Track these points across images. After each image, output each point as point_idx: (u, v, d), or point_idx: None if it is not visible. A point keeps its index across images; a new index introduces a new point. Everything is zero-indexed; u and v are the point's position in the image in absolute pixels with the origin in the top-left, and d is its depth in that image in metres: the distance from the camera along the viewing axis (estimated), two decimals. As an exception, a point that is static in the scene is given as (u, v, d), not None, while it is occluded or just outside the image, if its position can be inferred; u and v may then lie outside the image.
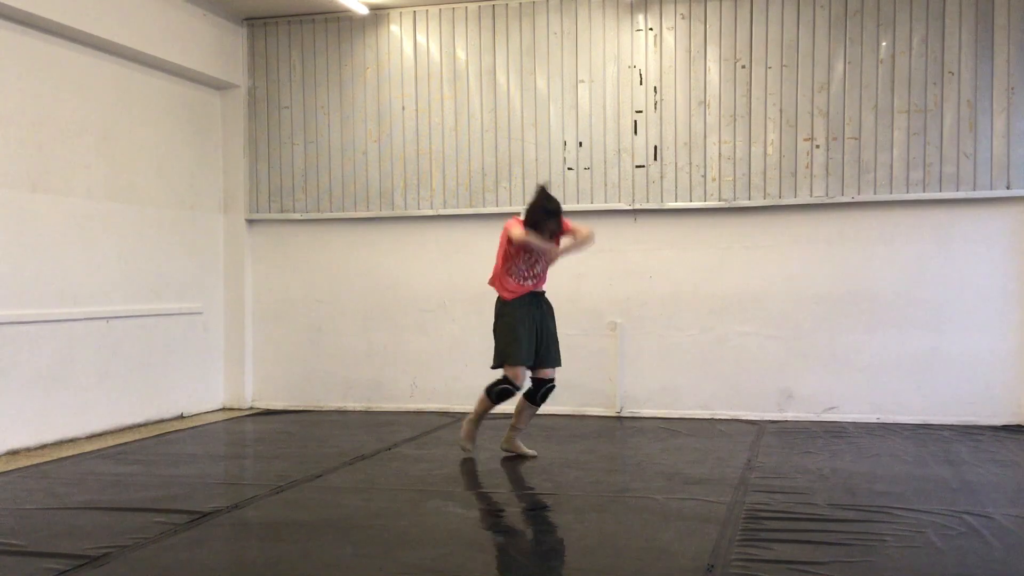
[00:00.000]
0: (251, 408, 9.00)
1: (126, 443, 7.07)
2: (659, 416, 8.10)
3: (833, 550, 4.14)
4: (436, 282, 8.73)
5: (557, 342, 6.23)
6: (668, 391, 8.23)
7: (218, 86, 8.88)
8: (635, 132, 8.20)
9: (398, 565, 4.02)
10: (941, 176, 7.65)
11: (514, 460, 6.31)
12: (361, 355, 8.91)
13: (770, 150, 7.96)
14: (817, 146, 7.86)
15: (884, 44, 7.75)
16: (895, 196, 7.73)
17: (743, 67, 8.00)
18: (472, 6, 8.53)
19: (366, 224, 8.86)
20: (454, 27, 8.59)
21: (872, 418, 7.77)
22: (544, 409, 8.35)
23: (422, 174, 8.64)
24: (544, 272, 6.17)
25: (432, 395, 8.71)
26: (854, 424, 7.63)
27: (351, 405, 8.89)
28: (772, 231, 8.02)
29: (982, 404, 7.62)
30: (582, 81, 8.31)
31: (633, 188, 8.21)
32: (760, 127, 7.97)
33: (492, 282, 6.27)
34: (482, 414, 6.32)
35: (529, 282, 6.12)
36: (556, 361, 6.20)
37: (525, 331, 6.07)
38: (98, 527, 4.61)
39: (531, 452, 6.39)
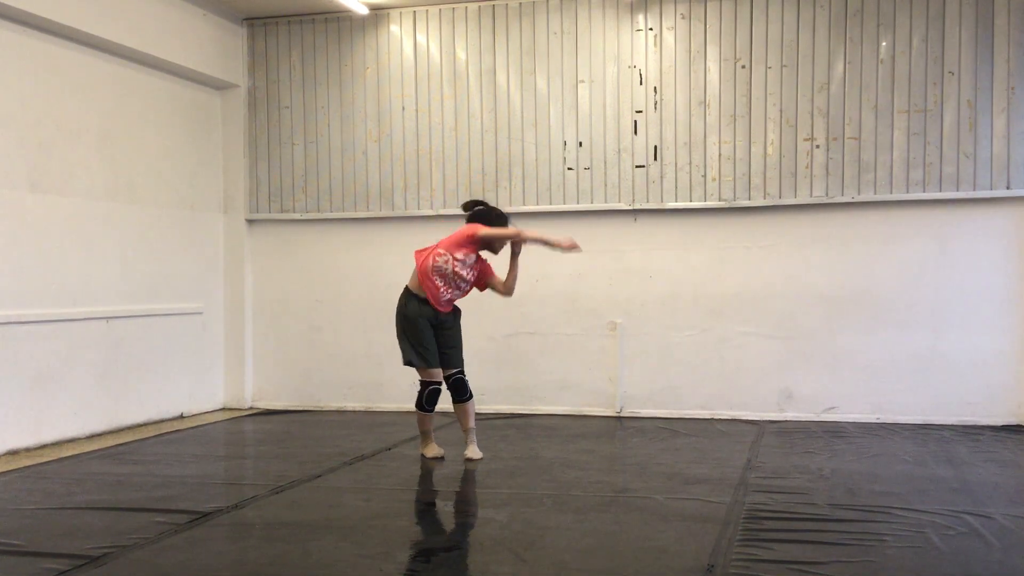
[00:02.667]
0: (251, 408, 9.00)
1: (126, 443, 7.07)
2: (659, 416, 8.10)
3: (833, 550, 4.14)
4: (436, 282, 8.71)
5: (460, 347, 6.35)
6: (668, 391, 8.23)
7: (218, 86, 8.88)
8: (635, 132, 8.20)
9: (398, 565, 4.02)
10: (941, 176, 7.65)
11: (513, 460, 6.31)
12: (361, 355, 8.91)
13: (770, 150, 7.96)
14: (817, 146, 7.86)
15: (884, 44, 7.75)
16: (895, 196, 7.73)
17: (743, 67, 8.00)
18: (472, 6, 8.53)
19: (366, 224, 8.86)
20: (454, 27, 8.59)
21: (872, 418, 7.77)
22: (544, 409, 8.42)
23: (422, 174, 8.64)
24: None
25: (432, 395, 8.70)
26: (854, 424, 7.63)
27: (351, 405, 8.89)
28: (772, 231, 8.02)
29: (982, 404, 7.62)
30: (582, 81, 8.31)
31: (633, 188, 8.21)
32: (760, 127, 7.97)
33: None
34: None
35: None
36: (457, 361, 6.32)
37: None
38: (98, 527, 4.62)
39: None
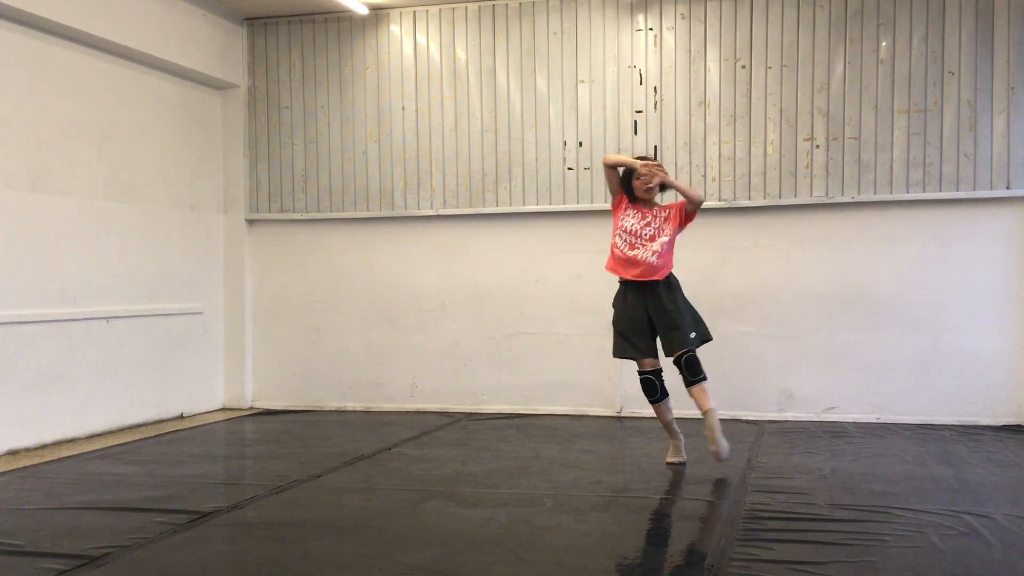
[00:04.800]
0: (251, 408, 9.00)
1: (126, 443, 7.07)
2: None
3: (833, 550, 4.13)
4: (436, 282, 8.73)
5: (686, 323, 5.80)
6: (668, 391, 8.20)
7: (218, 86, 8.88)
8: (635, 132, 8.20)
9: (398, 565, 4.01)
10: (941, 176, 7.65)
11: (513, 460, 6.30)
12: (361, 355, 8.91)
13: (770, 150, 7.96)
14: (817, 146, 7.86)
15: (884, 44, 7.75)
16: (895, 196, 7.73)
17: (743, 67, 8.00)
18: (472, 6, 8.53)
19: (366, 224, 8.86)
20: (454, 27, 8.59)
21: (872, 418, 7.77)
22: (544, 409, 8.41)
23: (422, 174, 8.65)
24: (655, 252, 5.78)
25: (432, 395, 8.72)
26: (854, 424, 7.63)
27: (351, 405, 8.89)
28: (772, 231, 8.02)
29: (982, 404, 7.62)
30: (582, 81, 8.31)
31: (633, 188, 8.20)
32: (760, 127, 7.97)
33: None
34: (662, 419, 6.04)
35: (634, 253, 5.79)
36: (679, 344, 5.77)
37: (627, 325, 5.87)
38: (98, 527, 4.61)
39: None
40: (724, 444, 5.70)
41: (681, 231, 5.97)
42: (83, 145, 7.38)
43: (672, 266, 5.94)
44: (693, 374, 5.75)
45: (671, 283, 5.90)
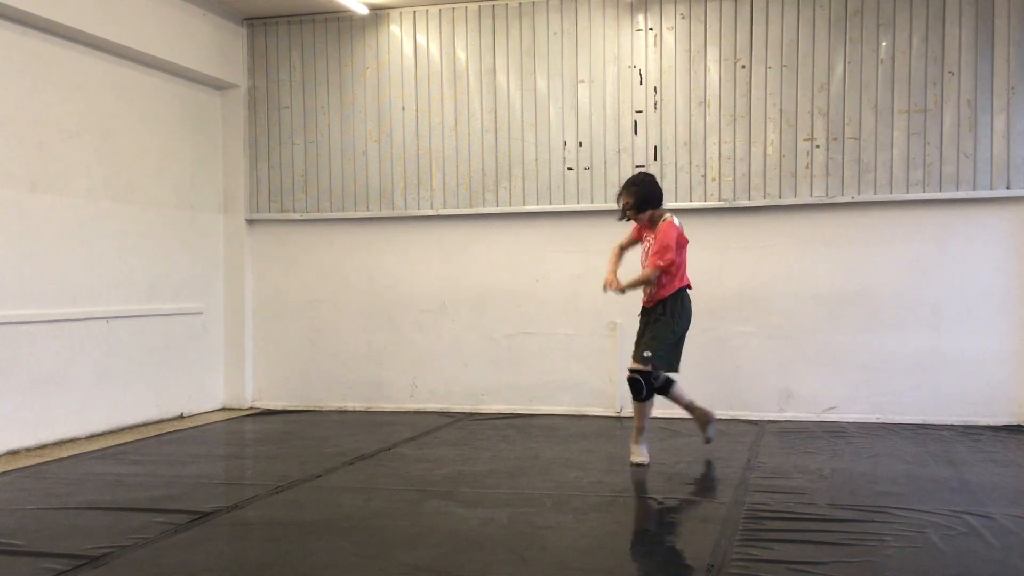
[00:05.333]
0: (251, 408, 9.00)
1: (126, 443, 7.07)
2: (659, 416, 8.06)
3: (833, 550, 4.14)
4: (436, 282, 8.73)
5: (646, 341, 6.10)
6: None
7: (218, 86, 8.88)
8: (635, 132, 8.20)
9: (398, 565, 4.02)
10: (941, 176, 7.65)
11: (513, 460, 6.30)
12: (361, 355, 8.91)
13: (770, 150, 7.96)
14: (817, 146, 7.86)
15: (884, 44, 7.75)
16: (895, 196, 7.73)
17: (743, 67, 8.00)
18: (472, 6, 8.53)
19: (366, 224, 8.86)
20: (454, 27, 8.59)
21: (872, 418, 7.77)
22: (544, 409, 8.43)
23: (422, 174, 8.65)
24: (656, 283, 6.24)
25: (432, 395, 8.72)
26: (854, 424, 7.63)
27: (351, 405, 8.89)
28: (772, 231, 8.02)
29: (982, 404, 7.62)
30: (582, 81, 8.31)
31: (633, 188, 8.20)
32: (760, 127, 7.97)
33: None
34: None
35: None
36: (635, 357, 6.08)
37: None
38: (98, 527, 4.62)
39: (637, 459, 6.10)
40: (640, 456, 6.08)
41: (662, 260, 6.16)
42: (83, 145, 7.37)
43: (671, 289, 6.20)
44: (634, 394, 6.05)
45: (656, 310, 6.21)
